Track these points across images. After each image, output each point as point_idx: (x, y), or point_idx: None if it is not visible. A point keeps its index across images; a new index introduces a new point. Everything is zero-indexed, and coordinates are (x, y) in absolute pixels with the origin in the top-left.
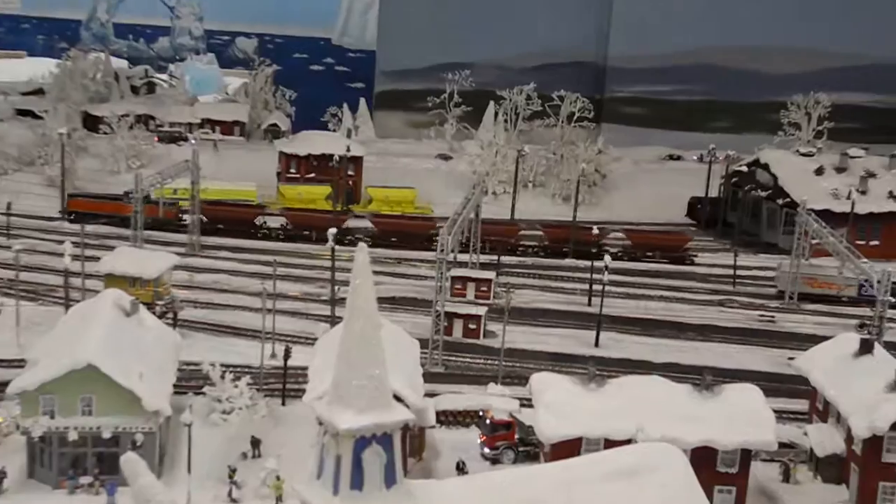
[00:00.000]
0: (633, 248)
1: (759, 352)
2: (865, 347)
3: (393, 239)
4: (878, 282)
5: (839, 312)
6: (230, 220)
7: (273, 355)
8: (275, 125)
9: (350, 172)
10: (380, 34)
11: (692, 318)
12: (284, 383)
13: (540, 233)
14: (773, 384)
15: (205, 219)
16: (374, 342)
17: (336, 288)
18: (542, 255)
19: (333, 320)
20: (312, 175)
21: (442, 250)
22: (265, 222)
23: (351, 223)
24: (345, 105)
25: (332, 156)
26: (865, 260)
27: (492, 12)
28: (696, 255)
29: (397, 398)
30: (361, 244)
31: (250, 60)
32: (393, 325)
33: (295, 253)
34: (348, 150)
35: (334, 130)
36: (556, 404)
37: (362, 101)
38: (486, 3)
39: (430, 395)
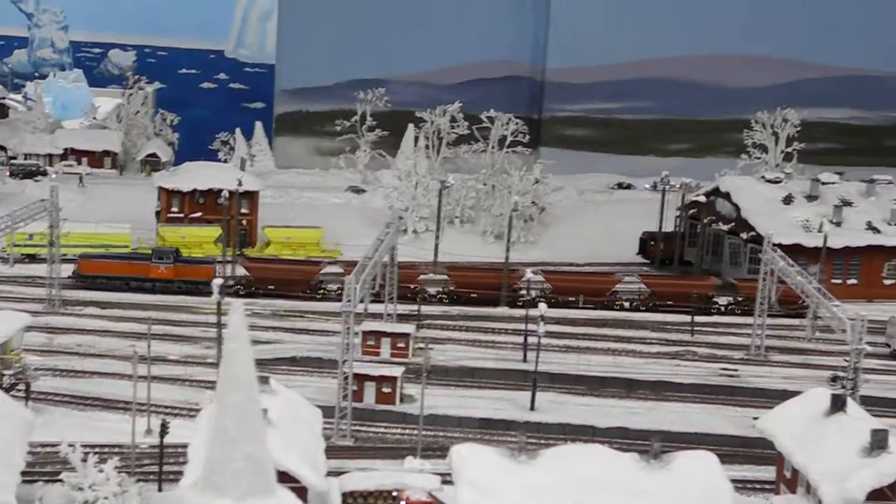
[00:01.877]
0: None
1: (721, 411)
2: (837, 404)
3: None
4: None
5: (812, 364)
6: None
7: (149, 431)
8: (153, 155)
9: (244, 210)
10: (279, 46)
11: (644, 374)
12: (161, 465)
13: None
14: (737, 449)
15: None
16: (253, 416)
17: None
18: (446, 302)
19: None
20: (199, 214)
21: (349, 301)
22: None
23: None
24: (237, 130)
25: (221, 191)
26: (837, 303)
27: (412, 21)
28: (717, 303)
29: (292, 479)
30: (236, 302)
31: (126, 78)
32: (290, 392)
33: (177, 307)
34: (240, 183)
35: (225, 161)
36: (480, 481)
37: (258, 125)
38: (405, 11)
39: (335, 473)
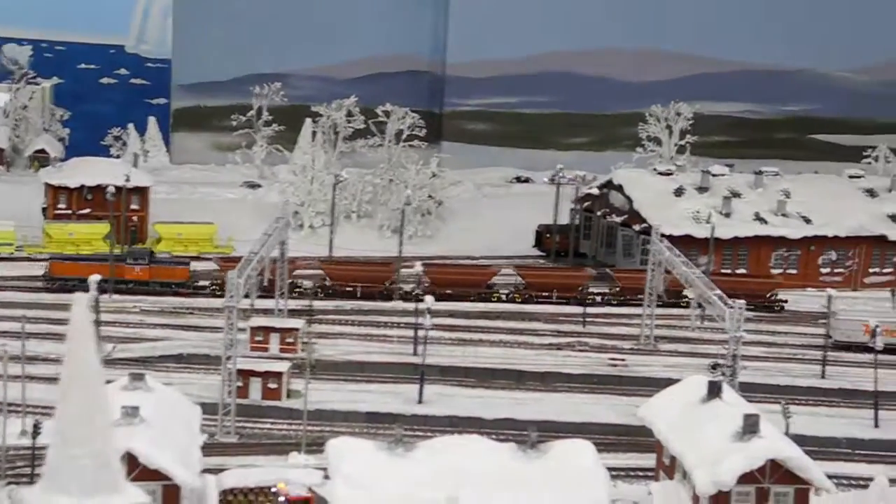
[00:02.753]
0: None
1: (608, 400)
2: (713, 391)
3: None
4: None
5: (700, 352)
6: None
7: (23, 433)
8: (42, 151)
9: (134, 207)
10: (176, 41)
11: (534, 365)
12: (33, 466)
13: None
14: (622, 437)
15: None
16: (97, 414)
17: (112, 346)
18: (322, 297)
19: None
20: (87, 211)
21: (231, 296)
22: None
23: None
24: (130, 126)
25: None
26: (719, 291)
27: (311, 15)
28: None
29: (164, 476)
30: (78, 295)
31: (12, 72)
32: (167, 388)
33: (54, 306)
34: (128, 179)
35: (118, 157)
36: (356, 475)
37: (152, 120)
38: (304, 5)
39: (217, 470)
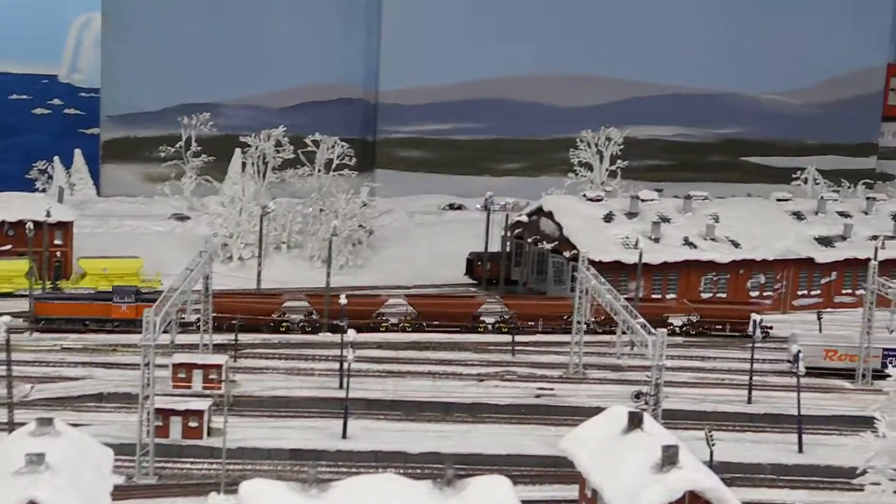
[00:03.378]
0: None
1: (535, 431)
2: (634, 422)
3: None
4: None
5: (629, 380)
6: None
7: None
8: None
9: (57, 242)
10: (105, 71)
11: (462, 396)
12: None
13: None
14: (548, 469)
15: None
16: None
17: (30, 387)
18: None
19: (11, 427)
20: (9, 247)
21: (148, 334)
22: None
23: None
24: (56, 158)
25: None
26: (642, 320)
27: (242, 44)
28: (770, 328)
29: None
30: None
31: None
32: (77, 432)
33: None
34: (48, 214)
35: (43, 190)
36: None
37: (77, 152)
38: (235, 34)
39: None
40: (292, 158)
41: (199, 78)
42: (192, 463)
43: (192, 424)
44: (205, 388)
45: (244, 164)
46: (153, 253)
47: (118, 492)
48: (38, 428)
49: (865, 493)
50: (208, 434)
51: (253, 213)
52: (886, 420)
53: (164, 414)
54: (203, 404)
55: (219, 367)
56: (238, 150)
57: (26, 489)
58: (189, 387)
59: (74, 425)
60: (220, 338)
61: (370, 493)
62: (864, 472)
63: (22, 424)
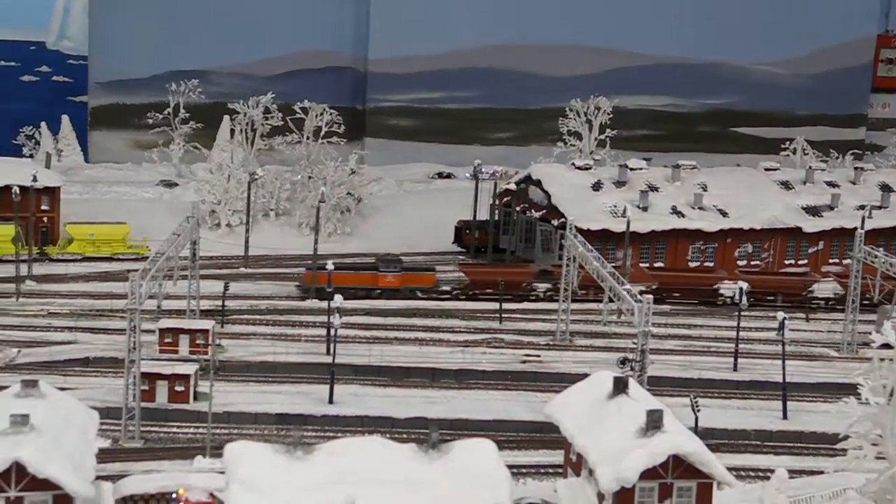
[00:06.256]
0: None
1: (521, 397)
2: (619, 387)
3: None
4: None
5: (616, 347)
6: None
7: None
8: None
9: (44, 207)
10: (93, 37)
11: (448, 362)
12: None
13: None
14: (533, 434)
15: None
16: None
17: (17, 350)
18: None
19: None
20: None
21: (134, 298)
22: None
23: None
24: (43, 125)
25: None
26: (629, 286)
27: (232, 11)
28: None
29: (55, 486)
30: None
31: None
32: (62, 395)
33: None
34: (35, 179)
35: (31, 156)
36: (252, 479)
37: (65, 119)
38: (225, 1)
39: (120, 476)
40: (281, 126)
41: (187, 45)
42: (178, 427)
43: (179, 388)
44: (191, 352)
45: (232, 132)
46: (141, 219)
47: (104, 454)
48: (23, 389)
49: (848, 457)
50: (194, 398)
51: (241, 180)
52: (870, 385)
53: (151, 378)
54: (189, 368)
55: (206, 332)
56: (227, 118)
57: (11, 449)
58: (176, 351)
59: (61, 389)
60: (207, 303)
61: (354, 454)
62: (846, 438)
63: (6, 388)
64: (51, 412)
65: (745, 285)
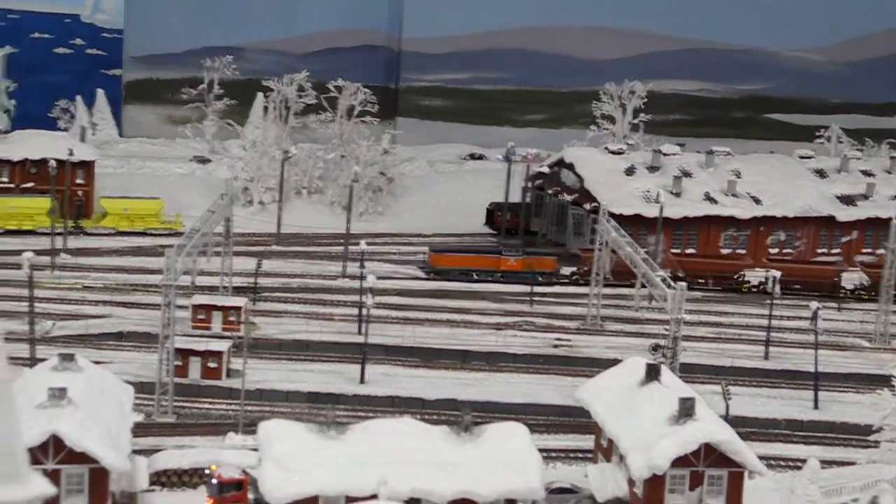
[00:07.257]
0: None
1: (552, 381)
2: (651, 374)
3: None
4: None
5: (647, 333)
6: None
7: None
8: None
9: (79, 181)
10: (128, 12)
11: (479, 344)
12: None
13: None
14: (563, 419)
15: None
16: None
17: (52, 323)
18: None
19: (32, 362)
20: (31, 185)
21: (169, 274)
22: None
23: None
24: (78, 98)
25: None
26: (662, 273)
27: None
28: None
29: (91, 459)
30: None
31: None
32: (98, 369)
33: None
34: (71, 153)
35: (66, 129)
36: (287, 457)
37: (100, 93)
38: None
39: (152, 450)
40: (314, 104)
41: (222, 21)
42: (210, 403)
43: (212, 365)
44: (224, 329)
45: (266, 109)
46: (174, 194)
47: (137, 429)
48: (61, 363)
49: (881, 449)
50: (227, 375)
51: (274, 158)
52: None
53: (184, 354)
54: (223, 345)
55: (238, 309)
56: (260, 95)
57: (49, 422)
58: (209, 328)
59: (95, 363)
60: (239, 280)
61: (387, 435)
62: (880, 430)
63: (43, 360)
64: (88, 386)
65: (777, 274)
